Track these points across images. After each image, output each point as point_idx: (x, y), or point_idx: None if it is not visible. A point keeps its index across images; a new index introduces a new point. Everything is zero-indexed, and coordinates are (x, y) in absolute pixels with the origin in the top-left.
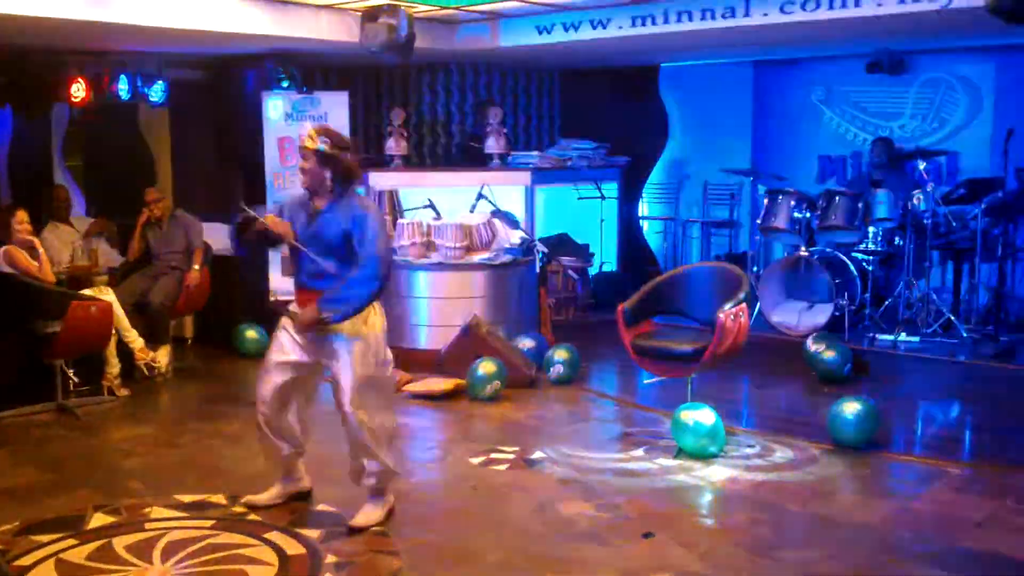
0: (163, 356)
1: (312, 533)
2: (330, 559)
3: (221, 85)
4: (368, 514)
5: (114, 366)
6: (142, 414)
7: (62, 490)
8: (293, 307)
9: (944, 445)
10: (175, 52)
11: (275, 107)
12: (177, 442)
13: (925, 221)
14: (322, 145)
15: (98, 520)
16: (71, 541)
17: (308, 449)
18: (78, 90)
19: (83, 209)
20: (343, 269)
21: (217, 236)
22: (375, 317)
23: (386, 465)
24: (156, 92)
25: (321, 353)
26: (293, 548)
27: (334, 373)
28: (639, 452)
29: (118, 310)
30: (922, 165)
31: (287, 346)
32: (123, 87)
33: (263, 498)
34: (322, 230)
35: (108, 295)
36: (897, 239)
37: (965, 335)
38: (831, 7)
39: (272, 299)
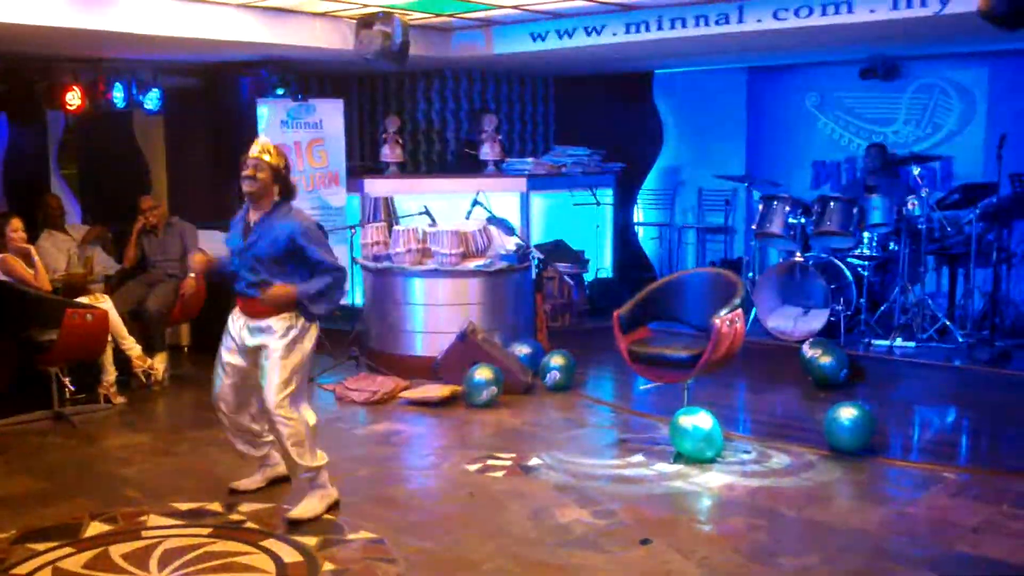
0: (159, 364)
1: (309, 540)
2: (327, 567)
3: (216, 92)
4: (307, 507)
5: (110, 374)
6: (138, 422)
7: (58, 498)
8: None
9: (940, 450)
10: (170, 59)
11: (270, 114)
12: (174, 450)
13: (920, 226)
14: (279, 161)
15: (95, 528)
16: (68, 549)
17: None
18: (73, 98)
19: (79, 217)
20: (281, 279)
21: (213, 244)
22: (310, 327)
23: (311, 465)
24: (151, 99)
25: (257, 353)
26: (290, 556)
27: (261, 373)
28: (636, 458)
29: (115, 318)
30: (916, 171)
31: (229, 348)
32: (118, 94)
33: (247, 483)
34: (256, 242)
35: (105, 302)
36: (892, 244)
37: (960, 340)
38: (824, 13)
39: None
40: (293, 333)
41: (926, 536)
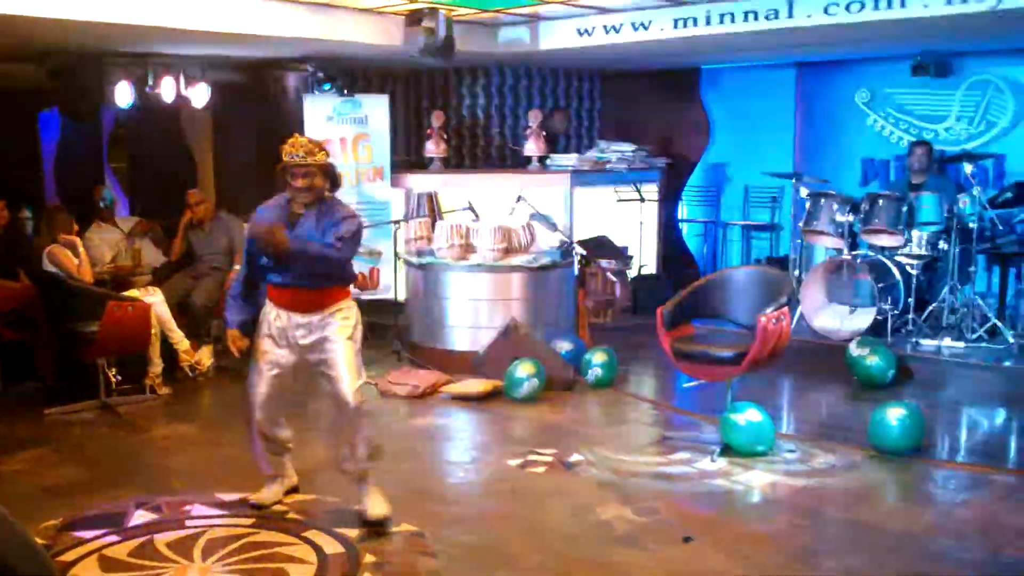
0: (205, 356)
1: (351, 532)
2: (368, 559)
3: (263, 87)
4: (379, 500)
5: (157, 365)
6: (184, 413)
7: (104, 487)
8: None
9: (989, 452)
10: (218, 55)
11: (316, 109)
12: (218, 440)
13: (971, 225)
14: (325, 156)
15: (140, 517)
16: (113, 537)
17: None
18: (122, 93)
19: (126, 210)
20: (328, 272)
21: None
22: (358, 316)
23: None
24: (199, 94)
25: (314, 349)
26: (332, 547)
27: (329, 365)
28: (678, 456)
29: (165, 311)
30: (968, 168)
31: (273, 350)
32: (167, 89)
33: (268, 496)
34: (306, 235)
35: (156, 296)
36: (942, 243)
37: (1011, 341)
38: (876, 8)
39: None
40: (350, 323)
41: (973, 539)
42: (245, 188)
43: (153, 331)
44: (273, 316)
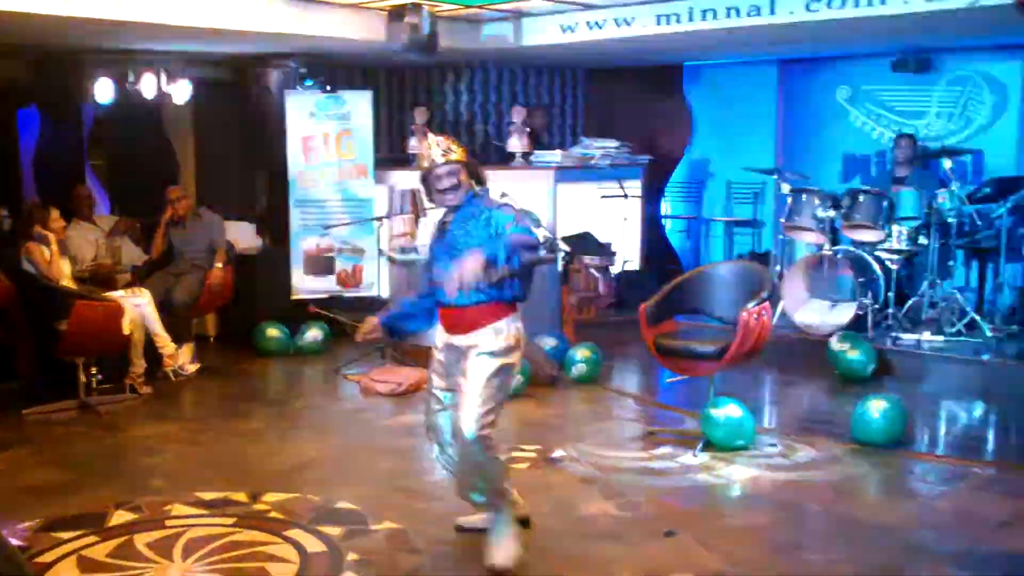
0: (187, 357)
1: (333, 531)
2: (351, 557)
3: (245, 84)
4: (504, 547)
5: (138, 366)
6: (164, 412)
7: (84, 487)
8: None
9: (968, 445)
10: (199, 51)
11: (299, 106)
12: (199, 440)
13: (950, 220)
14: (464, 152)
15: (119, 517)
16: (93, 538)
17: (329, 449)
18: (103, 89)
19: (107, 208)
20: (488, 288)
21: (240, 235)
22: (514, 339)
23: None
24: (180, 91)
25: (457, 369)
26: (314, 546)
27: (462, 383)
28: (661, 451)
29: (152, 313)
30: (947, 164)
31: (436, 371)
32: (147, 86)
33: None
34: (455, 239)
35: (143, 297)
36: (921, 238)
37: (989, 335)
38: (857, 5)
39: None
40: (501, 347)
41: (953, 531)
42: (227, 185)
43: (136, 332)
44: (438, 345)
